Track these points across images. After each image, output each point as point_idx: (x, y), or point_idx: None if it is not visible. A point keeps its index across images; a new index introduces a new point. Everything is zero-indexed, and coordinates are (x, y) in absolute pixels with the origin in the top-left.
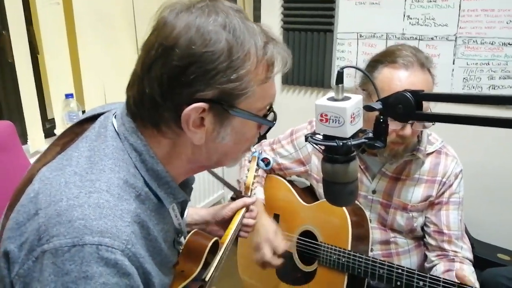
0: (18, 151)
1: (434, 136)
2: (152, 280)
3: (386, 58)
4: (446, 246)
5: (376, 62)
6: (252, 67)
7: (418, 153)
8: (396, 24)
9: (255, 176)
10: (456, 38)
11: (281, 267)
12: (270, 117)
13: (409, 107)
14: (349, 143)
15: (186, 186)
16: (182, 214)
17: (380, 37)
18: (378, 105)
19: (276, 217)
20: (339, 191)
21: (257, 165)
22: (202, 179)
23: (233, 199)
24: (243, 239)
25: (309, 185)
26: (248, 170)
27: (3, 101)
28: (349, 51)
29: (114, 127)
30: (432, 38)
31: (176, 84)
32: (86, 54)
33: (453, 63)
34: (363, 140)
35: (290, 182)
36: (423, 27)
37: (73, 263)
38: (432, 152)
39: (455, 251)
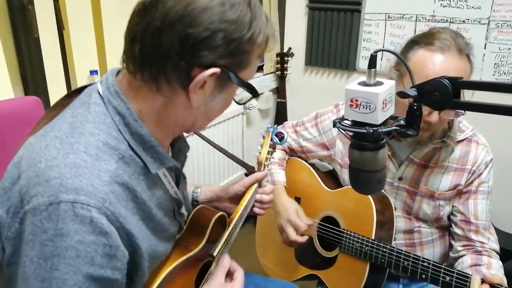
0: None
1: (465, 123)
2: (137, 243)
3: (423, 39)
4: (473, 236)
5: (413, 43)
6: (260, 42)
7: (449, 140)
8: (426, 6)
9: (269, 152)
10: (489, 21)
11: (301, 251)
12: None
13: (446, 95)
14: (380, 130)
15: (180, 154)
16: (178, 184)
17: (409, 19)
18: (413, 92)
19: (297, 201)
20: (366, 179)
21: (271, 140)
22: (221, 160)
23: (246, 175)
24: (262, 220)
25: (331, 169)
26: (261, 145)
27: (29, 76)
28: (376, 33)
29: (99, 93)
30: (463, 21)
31: (200, 48)
32: (111, 30)
33: (485, 48)
34: (394, 127)
35: (312, 165)
36: (455, 9)
37: (50, 221)
38: (463, 140)
39: (482, 242)
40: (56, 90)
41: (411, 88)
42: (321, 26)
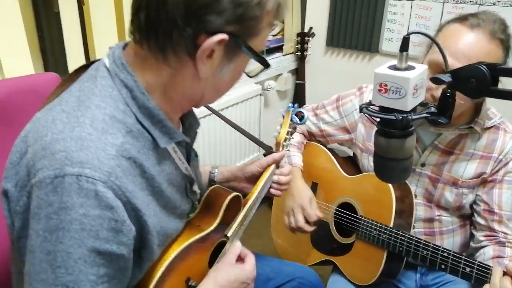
0: None
1: (493, 111)
2: (144, 218)
3: (463, 15)
4: (496, 226)
5: (454, 19)
6: (270, 8)
7: (476, 126)
8: None
9: (288, 132)
10: None
11: (317, 236)
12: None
13: (483, 82)
14: (409, 117)
15: (190, 130)
16: (188, 161)
17: (436, 0)
18: (447, 78)
19: (314, 186)
20: (391, 167)
21: (291, 120)
22: (238, 141)
23: (265, 156)
24: (278, 202)
25: (351, 154)
26: (280, 125)
27: (49, 52)
28: (401, 14)
29: (106, 67)
30: (493, 3)
31: (206, 12)
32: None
33: None
34: (425, 114)
35: (331, 150)
36: None
37: (56, 194)
38: (490, 127)
39: (505, 233)
40: (76, 65)
41: (445, 73)
42: (344, 5)
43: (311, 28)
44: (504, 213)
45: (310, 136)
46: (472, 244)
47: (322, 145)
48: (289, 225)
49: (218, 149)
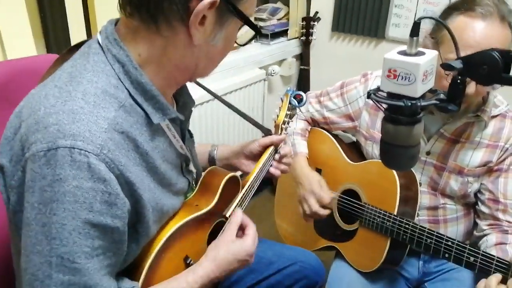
0: None
1: (500, 98)
2: (138, 192)
3: (463, 5)
4: (500, 215)
5: (452, 9)
6: None
7: (483, 114)
8: None
9: (287, 115)
10: None
11: (320, 222)
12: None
13: (495, 68)
14: (419, 103)
15: (185, 108)
16: (183, 140)
17: None
18: (458, 64)
19: (318, 172)
20: (399, 154)
21: (290, 103)
22: (237, 126)
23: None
24: (282, 187)
25: (355, 140)
26: (279, 108)
27: (51, 33)
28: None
29: (99, 43)
30: None
31: None
32: None
33: None
34: (434, 101)
35: (335, 136)
36: None
37: (49, 166)
38: (497, 116)
39: (509, 222)
40: None
41: (456, 60)
42: None
43: (316, 12)
44: (509, 202)
45: (313, 123)
46: (475, 233)
47: (327, 131)
48: (304, 213)
49: (218, 135)
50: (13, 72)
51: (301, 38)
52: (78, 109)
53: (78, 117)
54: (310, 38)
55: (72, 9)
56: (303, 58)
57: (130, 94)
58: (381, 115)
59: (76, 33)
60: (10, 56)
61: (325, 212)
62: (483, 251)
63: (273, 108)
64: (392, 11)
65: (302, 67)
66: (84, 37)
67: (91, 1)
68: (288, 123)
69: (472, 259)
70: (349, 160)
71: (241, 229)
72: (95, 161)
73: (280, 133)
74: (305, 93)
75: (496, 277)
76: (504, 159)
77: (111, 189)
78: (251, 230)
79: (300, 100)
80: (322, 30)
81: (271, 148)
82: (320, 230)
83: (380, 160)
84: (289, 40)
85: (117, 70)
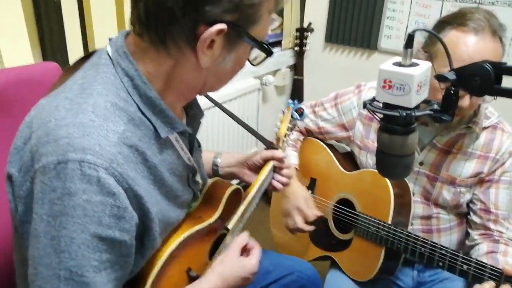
0: None
1: (491, 110)
2: (146, 206)
3: (455, 20)
4: (491, 225)
5: (444, 23)
6: None
7: (475, 126)
8: None
9: (288, 128)
10: None
11: (315, 232)
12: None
13: (487, 80)
14: (413, 114)
15: (194, 120)
16: (191, 151)
17: None
18: (451, 75)
19: (313, 181)
20: (394, 163)
21: (292, 116)
22: (235, 136)
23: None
24: (277, 197)
25: (349, 150)
26: (281, 121)
27: (47, 42)
28: (400, 11)
29: (109, 54)
30: (492, 3)
31: (203, 2)
32: None
33: None
34: (428, 111)
35: (330, 146)
36: None
37: (58, 180)
38: (488, 127)
39: (501, 232)
40: (74, 56)
41: (449, 71)
42: (344, 1)
43: (310, 23)
44: (500, 213)
45: (308, 133)
46: (467, 242)
47: (321, 140)
48: (288, 227)
49: (216, 143)
50: (10, 80)
51: (295, 48)
52: (88, 122)
53: (88, 131)
54: (304, 48)
55: (69, 17)
56: (297, 68)
57: (139, 108)
58: (374, 125)
59: (72, 41)
60: (7, 64)
61: (310, 228)
62: (476, 260)
63: (267, 117)
64: (384, 23)
65: (296, 77)
66: (80, 45)
67: (88, 9)
68: (289, 136)
69: (465, 267)
70: (343, 170)
71: (245, 251)
72: (105, 175)
73: (282, 145)
74: (299, 103)
75: (489, 284)
76: (495, 170)
77: (120, 203)
78: (256, 252)
79: (301, 114)
80: (315, 41)
81: (271, 163)
82: (315, 239)
83: (374, 170)
84: (283, 50)
85: (126, 84)
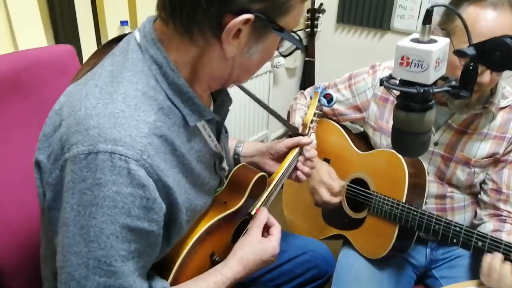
0: None
1: (509, 89)
2: (174, 196)
3: None
4: (501, 205)
5: (462, 2)
6: None
7: (491, 106)
8: None
9: (315, 114)
10: None
11: (328, 211)
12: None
13: (508, 55)
14: (431, 90)
15: (222, 107)
16: (219, 138)
17: None
18: (471, 51)
19: (326, 162)
20: (411, 141)
21: (319, 101)
22: (245, 118)
23: (290, 136)
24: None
25: (363, 130)
26: (308, 106)
27: (59, 25)
28: None
29: (137, 41)
30: None
31: None
32: None
33: None
34: (446, 88)
35: (343, 126)
36: None
37: (89, 170)
38: (505, 107)
39: (509, 212)
40: (86, 39)
41: (468, 46)
42: None
43: (321, 4)
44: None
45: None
46: (474, 221)
47: (335, 122)
48: (317, 203)
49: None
50: (27, 63)
51: (306, 30)
52: (119, 112)
53: (119, 121)
54: (315, 30)
55: (80, 1)
56: (308, 50)
57: (167, 96)
58: (389, 106)
59: (84, 24)
60: (21, 47)
61: (336, 200)
62: (491, 236)
63: (278, 99)
64: (397, 3)
65: (307, 59)
66: (92, 29)
67: None
68: (315, 122)
69: (480, 243)
70: (357, 150)
71: (266, 229)
72: (135, 166)
73: (308, 132)
74: (311, 85)
75: (498, 257)
76: (510, 151)
77: (149, 195)
78: (276, 230)
79: (330, 100)
80: (327, 22)
81: (297, 150)
82: (328, 219)
83: (388, 149)
84: (293, 31)
85: (154, 72)
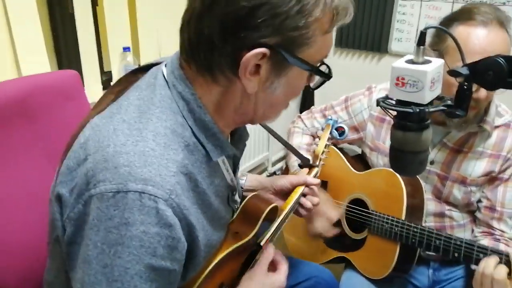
0: (83, 101)
1: (504, 108)
2: (196, 233)
3: (461, 15)
4: (495, 224)
5: (450, 20)
6: (320, 15)
7: (485, 124)
8: None
9: (326, 145)
10: None
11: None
12: (324, 69)
13: (501, 74)
14: (427, 110)
15: (239, 141)
16: (234, 171)
17: (446, 0)
18: (464, 70)
19: (324, 184)
20: (408, 160)
21: (330, 133)
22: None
23: (300, 166)
24: None
25: (359, 153)
26: (319, 138)
27: (63, 51)
28: (410, 14)
29: (164, 76)
30: (503, 3)
31: (240, 27)
32: (144, 7)
33: None
34: (441, 107)
35: (340, 149)
36: None
37: (117, 209)
38: (500, 126)
39: (503, 231)
40: (89, 66)
41: (462, 66)
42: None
43: None
44: (506, 211)
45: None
46: (470, 238)
47: (332, 144)
48: (312, 233)
49: None
50: (30, 88)
51: None
52: (149, 151)
53: (150, 160)
54: None
55: (84, 28)
56: None
57: (193, 132)
58: (385, 126)
59: (87, 52)
60: (24, 73)
61: (333, 231)
62: (491, 248)
63: (279, 123)
64: (394, 26)
65: None
66: (95, 56)
67: (102, 21)
68: (326, 153)
69: (481, 256)
70: (354, 170)
71: (273, 265)
72: (163, 206)
73: (319, 163)
74: (309, 108)
75: (494, 259)
76: (506, 169)
77: (175, 234)
78: (283, 267)
79: (342, 133)
80: None
81: (302, 188)
82: (329, 241)
83: (385, 168)
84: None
85: (182, 108)
